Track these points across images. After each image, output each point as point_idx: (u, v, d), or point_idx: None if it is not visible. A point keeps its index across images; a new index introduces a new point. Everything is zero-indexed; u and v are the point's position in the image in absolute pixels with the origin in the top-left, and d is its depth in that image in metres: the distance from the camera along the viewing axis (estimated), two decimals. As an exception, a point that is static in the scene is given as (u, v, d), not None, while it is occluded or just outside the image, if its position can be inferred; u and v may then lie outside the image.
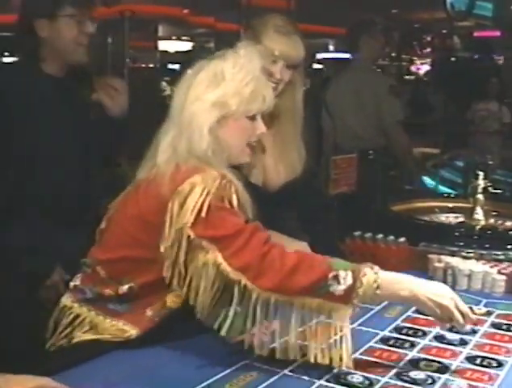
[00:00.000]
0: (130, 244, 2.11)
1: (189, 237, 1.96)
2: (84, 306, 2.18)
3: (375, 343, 2.16)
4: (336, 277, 1.90)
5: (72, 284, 2.25)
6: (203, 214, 1.94)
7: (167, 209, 1.98)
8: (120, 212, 2.21)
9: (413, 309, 2.44)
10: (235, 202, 2.01)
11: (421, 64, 17.47)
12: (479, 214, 3.23)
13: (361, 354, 2.07)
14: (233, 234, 1.95)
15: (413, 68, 17.97)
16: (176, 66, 15.26)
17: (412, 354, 2.08)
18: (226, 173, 2.04)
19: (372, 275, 1.93)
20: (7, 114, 2.68)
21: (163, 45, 17.90)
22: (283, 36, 2.56)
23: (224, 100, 2.09)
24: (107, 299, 2.15)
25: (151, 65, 14.84)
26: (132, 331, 2.09)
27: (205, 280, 1.95)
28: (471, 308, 2.44)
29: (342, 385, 1.86)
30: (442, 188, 5.96)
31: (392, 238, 2.93)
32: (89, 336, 2.12)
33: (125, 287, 2.11)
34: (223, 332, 2.01)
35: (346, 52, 5.59)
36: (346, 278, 1.91)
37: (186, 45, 19.33)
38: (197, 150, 2.06)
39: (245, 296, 1.94)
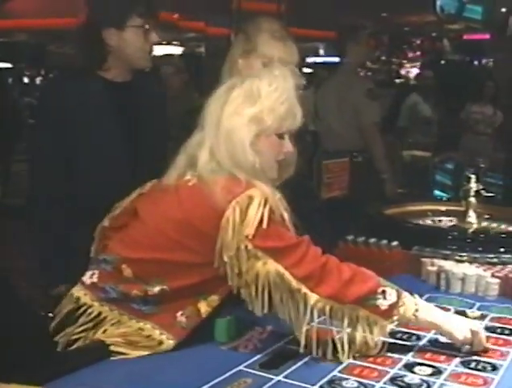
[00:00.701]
0: (170, 247, 2.13)
1: (246, 247, 2.03)
2: (105, 305, 2.18)
3: (370, 347, 2.15)
4: (383, 293, 2.08)
5: (88, 280, 2.24)
6: (264, 226, 2.03)
7: (224, 219, 2.04)
8: (153, 213, 2.22)
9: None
10: (286, 217, 2.10)
11: (411, 67, 17.52)
12: (471, 217, 3.22)
13: (355, 359, 2.06)
14: (293, 245, 2.08)
15: (402, 71, 18.03)
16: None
17: (406, 358, 2.08)
18: (273, 189, 2.14)
19: (413, 299, 2.14)
20: (73, 122, 2.77)
21: (153, 50, 17.93)
22: (279, 42, 2.57)
23: (261, 116, 2.15)
24: (132, 299, 2.15)
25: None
26: (169, 341, 2.11)
27: (273, 290, 2.05)
28: (464, 311, 2.45)
29: (337, 390, 1.86)
30: (435, 191, 5.96)
31: (385, 241, 2.92)
32: (122, 348, 2.11)
33: (156, 289, 2.13)
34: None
35: (336, 56, 5.65)
36: (391, 295, 2.09)
37: (176, 50, 19.34)
38: (243, 163, 2.12)
39: (304, 303, 2.04)
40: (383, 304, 2.07)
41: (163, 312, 2.14)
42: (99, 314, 2.17)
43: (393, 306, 2.08)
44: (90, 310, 2.19)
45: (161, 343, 2.12)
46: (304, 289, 2.04)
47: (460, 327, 2.12)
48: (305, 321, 2.04)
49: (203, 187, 2.12)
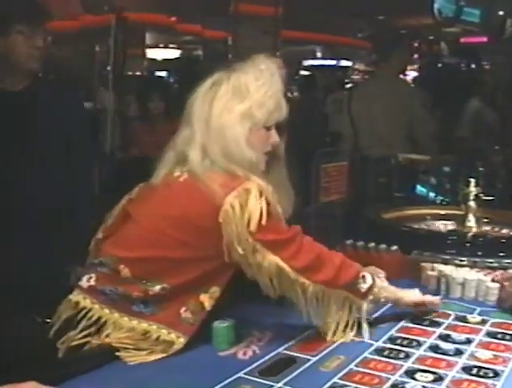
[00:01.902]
0: (167, 244, 2.15)
1: (247, 240, 2.09)
2: (105, 308, 2.16)
3: (370, 354, 2.14)
4: (364, 277, 2.28)
5: (85, 284, 2.21)
6: (264, 219, 2.09)
7: (223, 213, 2.08)
8: (146, 211, 2.23)
9: (407, 318, 2.43)
10: (279, 209, 2.17)
11: (409, 70, 17.51)
12: (471, 221, 3.21)
13: (356, 365, 2.04)
14: (290, 238, 2.17)
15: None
16: (163, 74, 15.29)
17: (407, 365, 2.06)
18: (266, 182, 2.18)
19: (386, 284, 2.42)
20: None
21: (151, 53, 17.91)
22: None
23: (251, 112, 2.18)
24: (132, 300, 2.14)
25: (138, 73, 14.80)
26: (180, 340, 2.11)
27: (275, 280, 2.15)
28: (465, 317, 2.44)
29: (337, 397, 1.84)
30: (433, 195, 5.95)
31: (383, 246, 2.90)
32: (131, 353, 2.10)
33: (157, 287, 2.13)
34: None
35: (333, 58, 5.86)
36: (368, 278, 2.29)
37: (173, 53, 19.34)
38: (239, 159, 2.16)
39: (303, 291, 2.17)
40: (363, 287, 2.27)
41: (165, 311, 2.14)
42: (100, 317, 2.15)
43: (370, 288, 2.29)
44: (90, 314, 2.16)
45: (171, 343, 2.10)
46: (303, 279, 2.15)
47: (413, 293, 2.47)
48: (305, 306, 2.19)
49: (197, 182, 2.13)
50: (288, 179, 2.73)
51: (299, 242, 2.17)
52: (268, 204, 2.12)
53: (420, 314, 2.46)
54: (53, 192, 2.89)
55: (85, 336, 2.15)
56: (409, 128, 5.27)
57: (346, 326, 2.26)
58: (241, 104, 2.18)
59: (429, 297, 2.50)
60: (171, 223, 2.15)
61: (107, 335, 2.13)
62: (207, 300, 2.16)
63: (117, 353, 2.08)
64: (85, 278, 2.23)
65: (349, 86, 12.80)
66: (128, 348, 2.09)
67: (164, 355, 2.10)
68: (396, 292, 2.43)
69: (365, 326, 2.28)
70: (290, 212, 2.71)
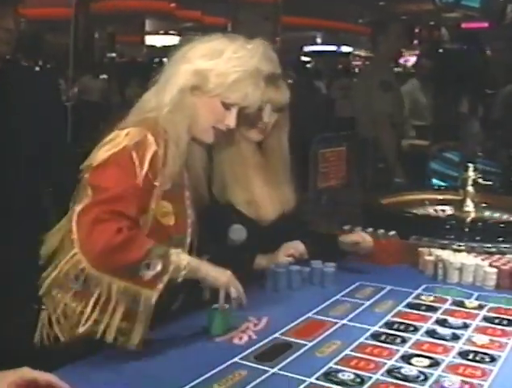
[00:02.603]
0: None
1: (84, 178, 2.03)
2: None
3: (366, 339, 2.13)
4: (148, 265, 1.94)
5: None
6: (99, 161, 2.00)
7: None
8: None
9: (404, 303, 2.42)
10: (146, 163, 2.02)
11: (409, 55, 17.47)
12: (469, 206, 3.20)
13: (352, 350, 2.03)
14: (100, 187, 1.97)
15: (401, 60, 17.98)
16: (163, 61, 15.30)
17: (403, 350, 2.05)
18: (159, 135, 2.07)
19: (181, 262, 2.01)
20: None
21: (150, 40, 17.90)
22: (271, 85, 2.52)
23: (207, 74, 2.13)
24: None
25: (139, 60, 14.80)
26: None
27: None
28: (462, 301, 2.43)
29: (333, 382, 1.83)
30: (433, 181, 5.96)
31: (382, 231, 2.89)
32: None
33: None
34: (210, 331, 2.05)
35: (334, 44, 5.95)
36: (156, 265, 1.95)
37: (173, 39, 19.30)
38: (160, 103, 2.11)
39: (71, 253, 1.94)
40: (146, 274, 1.94)
41: None
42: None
43: (158, 276, 1.95)
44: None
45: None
46: (74, 235, 1.92)
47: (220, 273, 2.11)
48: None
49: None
50: (289, 175, 2.76)
51: (103, 199, 1.95)
52: (131, 154, 2.00)
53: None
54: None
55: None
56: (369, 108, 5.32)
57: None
58: (204, 62, 2.14)
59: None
60: None
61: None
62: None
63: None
64: None
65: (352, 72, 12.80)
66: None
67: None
68: (203, 271, 2.08)
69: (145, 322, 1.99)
70: (292, 204, 2.76)
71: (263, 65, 2.22)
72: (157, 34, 19.09)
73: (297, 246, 2.64)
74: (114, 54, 16.08)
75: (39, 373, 1.61)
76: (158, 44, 19.46)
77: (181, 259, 2.02)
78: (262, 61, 2.21)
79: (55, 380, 1.61)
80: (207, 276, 2.08)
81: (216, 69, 2.13)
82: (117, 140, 2.02)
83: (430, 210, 3.40)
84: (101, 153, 2.01)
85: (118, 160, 2.00)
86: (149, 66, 11.07)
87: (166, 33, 19.57)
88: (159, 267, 1.95)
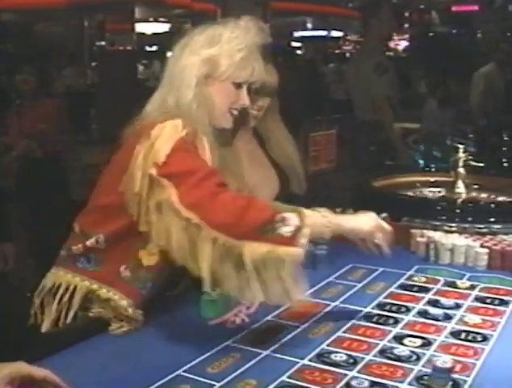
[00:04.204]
0: (106, 192, 2.16)
1: (151, 175, 1.98)
2: (61, 271, 2.17)
3: (359, 320, 2.14)
4: (284, 219, 1.89)
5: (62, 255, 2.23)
6: (166, 154, 1.97)
7: (135, 150, 2.02)
8: (105, 169, 2.22)
9: (396, 285, 2.43)
10: (200, 150, 2.06)
11: (400, 40, 17.46)
12: (460, 188, 3.20)
13: (344, 332, 2.04)
14: (188, 171, 1.97)
15: (391, 44, 17.98)
16: (153, 48, 15.22)
17: (396, 330, 2.06)
18: (198, 131, 2.08)
19: (317, 213, 2.00)
20: None
21: (140, 27, 17.79)
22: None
23: (216, 59, 2.16)
24: (75, 257, 2.15)
25: (128, 48, 14.72)
26: (123, 302, 2.07)
27: (165, 221, 1.95)
28: (454, 282, 2.44)
29: (326, 364, 1.83)
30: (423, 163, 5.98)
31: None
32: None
33: (93, 238, 2.12)
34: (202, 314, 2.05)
35: (324, 29, 5.96)
36: (291, 219, 1.90)
37: (163, 27, 19.22)
38: (183, 101, 2.12)
39: (198, 234, 1.90)
40: (285, 231, 1.89)
41: (105, 267, 2.12)
42: (61, 282, 2.16)
43: (297, 230, 1.90)
44: (58, 282, 2.17)
45: (113, 302, 2.07)
46: (195, 219, 1.90)
47: (363, 218, 2.11)
48: (205, 255, 1.89)
49: (139, 128, 2.10)
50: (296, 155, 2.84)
51: (198, 178, 1.95)
52: (185, 142, 2.02)
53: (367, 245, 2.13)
54: None
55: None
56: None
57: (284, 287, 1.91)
58: (208, 50, 2.16)
59: (379, 230, 2.11)
60: (111, 172, 2.16)
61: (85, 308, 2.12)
62: (145, 256, 2.11)
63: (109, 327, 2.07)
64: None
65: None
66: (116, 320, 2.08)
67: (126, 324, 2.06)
68: (338, 219, 2.07)
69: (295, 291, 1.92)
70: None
71: (259, 37, 2.23)
72: (147, 21, 19.01)
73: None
74: (103, 42, 16.01)
75: (34, 367, 1.60)
76: (148, 32, 19.39)
77: (316, 212, 2.00)
78: (257, 33, 2.23)
79: (50, 375, 1.60)
80: (351, 229, 2.07)
81: (222, 52, 2.16)
82: (166, 134, 2.01)
83: (422, 192, 3.39)
84: (162, 148, 1.98)
85: (184, 147, 2.01)
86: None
87: (156, 20, 19.48)
88: (296, 221, 1.90)
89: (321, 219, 1.98)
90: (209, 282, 1.89)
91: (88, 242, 2.12)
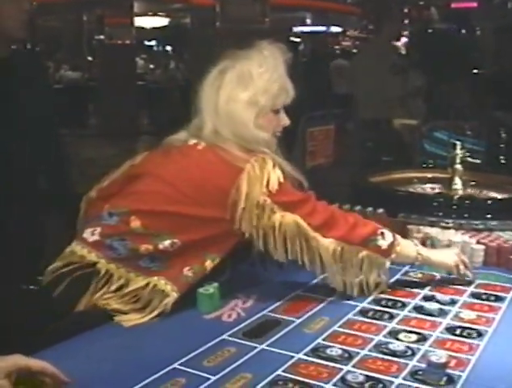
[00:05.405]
0: (183, 201, 2.20)
1: (265, 201, 2.18)
2: (112, 263, 2.17)
3: (354, 315, 2.15)
4: (382, 234, 2.32)
5: (91, 237, 2.21)
6: (281, 182, 2.21)
7: (244, 174, 2.18)
8: (166, 171, 2.27)
9: (392, 280, 2.44)
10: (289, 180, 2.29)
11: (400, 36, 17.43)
12: (457, 184, 3.21)
13: (340, 327, 2.05)
14: (304, 198, 2.27)
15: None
16: (152, 42, 15.23)
17: (391, 326, 2.07)
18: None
19: (407, 240, 2.48)
20: None
21: (139, 21, 17.78)
22: None
23: (256, 98, 2.28)
24: (140, 256, 2.16)
25: (127, 42, 14.71)
26: (173, 293, 2.12)
27: (290, 238, 2.21)
28: (448, 277, 2.45)
29: (321, 358, 1.84)
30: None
31: (370, 209, 2.90)
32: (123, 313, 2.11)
33: (167, 242, 2.16)
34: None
35: (323, 25, 5.97)
36: (388, 235, 2.34)
37: (162, 21, 19.22)
38: (252, 141, 2.27)
39: (318, 247, 2.22)
40: (383, 244, 2.31)
41: (170, 269, 2.16)
42: (107, 271, 2.16)
43: (392, 245, 2.33)
44: (97, 267, 2.16)
45: (165, 294, 2.11)
46: (319, 237, 2.22)
47: (447, 253, 2.48)
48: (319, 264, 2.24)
49: (216, 148, 2.25)
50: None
51: (313, 202, 2.27)
52: (283, 172, 2.24)
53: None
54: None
55: (102, 294, 2.15)
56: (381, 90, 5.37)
57: (368, 285, 2.32)
58: (245, 92, 2.27)
59: (461, 263, 2.46)
60: (190, 183, 2.21)
61: (103, 295, 2.13)
62: (209, 263, 2.20)
63: (114, 318, 2.09)
64: (88, 231, 2.23)
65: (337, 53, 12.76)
66: (123, 312, 2.10)
67: (156, 313, 2.10)
68: (427, 252, 2.45)
69: (384, 285, 2.35)
70: None
71: (284, 60, 2.34)
72: (146, 15, 19.00)
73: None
74: (102, 36, 16.00)
75: (31, 359, 1.59)
76: (148, 26, 19.38)
77: (408, 240, 2.49)
78: (282, 57, 2.34)
79: (48, 366, 1.59)
80: (438, 262, 2.45)
81: (259, 90, 2.27)
82: (266, 167, 2.21)
83: (419, 188, 3.40)
84: (272, 179, 2.20)
85: (283, 179, 2.23)
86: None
87: (155, 14, 19.47)
88: (391, 238, 2.34)
89: (412, 246, 2.43)
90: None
91: (161, 245, 2.15)
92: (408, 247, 2.40)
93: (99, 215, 2.26)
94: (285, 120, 2.39)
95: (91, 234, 2.22)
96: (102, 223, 2.23)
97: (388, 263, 2.33)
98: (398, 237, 2.38)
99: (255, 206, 2.17)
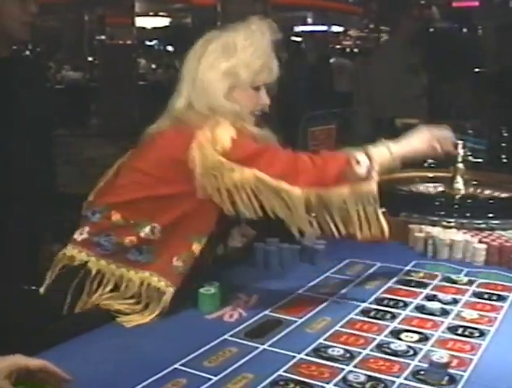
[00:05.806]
0: (153, 184, 2.19)
1: (220, 162, 2.10)
2: (102, 260, 2.17)
3: (356, 315, 2.14)
4: (357, 161, 2.17)
5: (79, 237, 2.22)
6: (231, 140, 2.12)
7: (195, 141, 2.12)
8: (138, 160, 2.28)
9: (394, 280, 2.42)
10: (257, 137, 2.23)
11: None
12: (459, 183, 3.20)
13: (341, 327, 2.04)
14: (260, 150, 2.16)
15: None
16: (153, 42, 15.23)
17: (393, 325, 2.06)
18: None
19: (381, 147, 2.28)
20: None
21: (140, 21, 17.79)
22: None
23: (236, 71, 2.23)
24: (126, 249, 2.16)
25: (128, 42, 14.73)
26: (169, 288, 2.11)
27: (257, 194, 2.11)
28: (452, 277, 2.44)
29: (323, 358, 1.84)
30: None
31: (372, 208, 2.89)
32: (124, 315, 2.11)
33: (147, 228, 2.15)
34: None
35: (324, 24, 5.96)
36: (363, 158, 2.18)
37: (163, 21, 19.23)
38: (221, 111, 2.20)
39: (289, 198, 2.10)
40: (362, 172, 2.17)
41: (158, 258, 2.15)
42: (98, 270, 2.16)
43: (371, 167, 2.19)
44: (88, 267, 2.17)
45: (161, 291, 2.10)
46: (284, 185, 2.10)
47: (418, 139, 2.37)
48: (298, 216, 2.11)
49: (179, 125, 2.21)
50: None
51: (272, 152, 2.18)
52: (241, 131, 2.17)
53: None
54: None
55: (93, 294, 2.16)
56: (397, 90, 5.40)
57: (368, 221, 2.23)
58: (226, 62, 2.23)
59: (435, 141, 2.39)
60: (152, 163, 2.21)
61: (101, 295, 2.14)
62: (197, 248, 2.18)
63: (117, 319, 2.09)
64: (77, 232, 2.24)
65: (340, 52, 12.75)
66: (125, 313, 2.10)
67: (157, 312, 2.09)
68: (399, 149, 2.32)
69: (381, 219, 2.25)
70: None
71: (271, 37, 2.29)
72: (147, 15, 19.00)
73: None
74: (103, 36, 16.03)
75: (30, 359, 1.59)
76: (149, 26, 19.38)
77: (380, 145, 2.28)
78: (269, 34, 2.28)
79: (48, 365, 1.59)
80: (412, 154, 2.35)
81: (239, 63, 2.23)
82: (221, 127, 2.15)
83: (420, 187, 3.39)
84: (224, 139, 2.12)
85: (242, 135, 2.17)
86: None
87: (156, 14, 19.48)
88: (366, 159, 2.18)
89: (385, 152, 2.26)
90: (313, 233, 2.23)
91: (142, 233, 2.15)
92: (383, 158, 2.26)
93: (85, 215, 2.27)
94: (265, 99, 2.32)
95: (80, 234, 2.23)
96: (88, 222, 2.24)
97: (375, 187, 2.20)
98: (371, 151, 2.22)
99: (211, 168, 2.10)
